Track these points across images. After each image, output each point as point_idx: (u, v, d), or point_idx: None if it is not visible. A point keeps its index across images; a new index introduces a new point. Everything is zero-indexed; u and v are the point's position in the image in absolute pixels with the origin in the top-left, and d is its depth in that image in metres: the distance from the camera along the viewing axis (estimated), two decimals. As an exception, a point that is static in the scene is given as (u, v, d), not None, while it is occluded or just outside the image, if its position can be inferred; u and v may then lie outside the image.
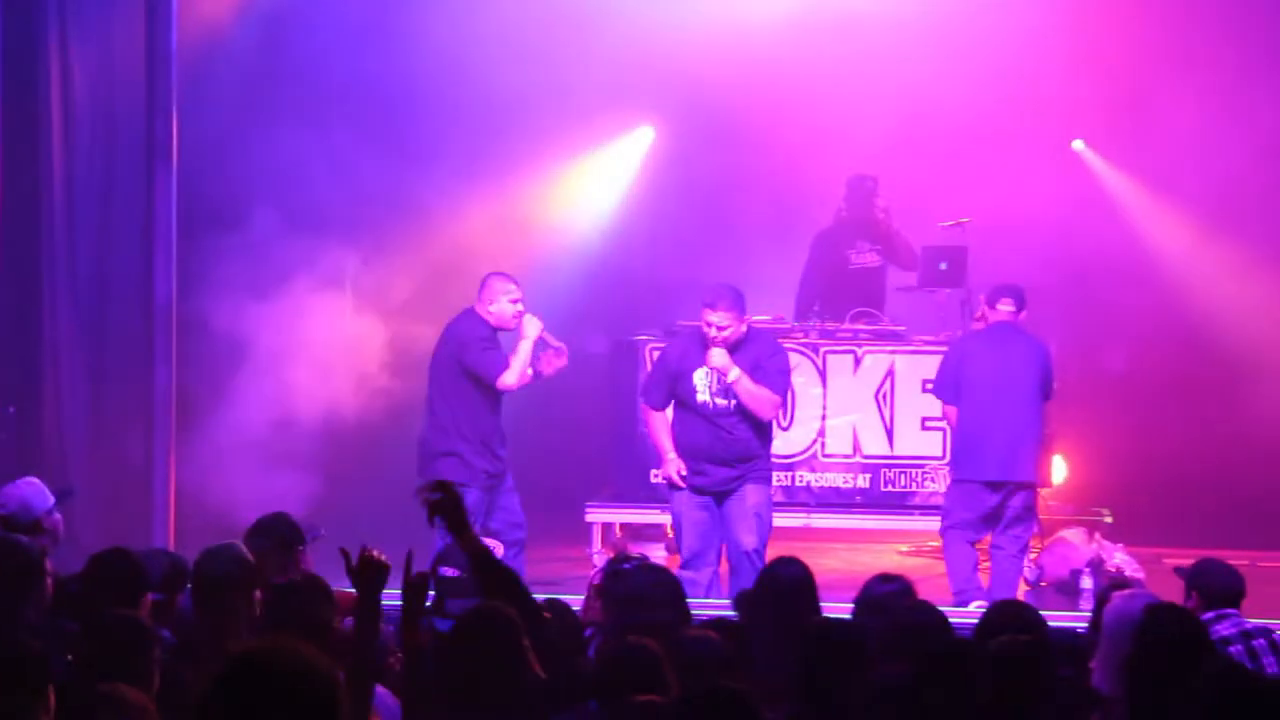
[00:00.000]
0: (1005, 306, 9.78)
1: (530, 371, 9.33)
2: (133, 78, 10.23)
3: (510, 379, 9.23)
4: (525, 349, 9.27)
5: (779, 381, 9.16)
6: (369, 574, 4.93)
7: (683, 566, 9.20)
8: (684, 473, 9.15)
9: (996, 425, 9.56)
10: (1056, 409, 11.82)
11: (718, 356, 9.02)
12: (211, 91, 11.08)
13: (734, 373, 9.01)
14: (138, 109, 10.14)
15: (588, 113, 12.70)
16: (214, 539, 6.41)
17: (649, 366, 11.15)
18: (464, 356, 9.30)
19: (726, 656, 5.20)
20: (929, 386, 10.85)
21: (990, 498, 9.58)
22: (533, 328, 9.29)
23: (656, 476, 11.09)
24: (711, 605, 7.93)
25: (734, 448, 9.13)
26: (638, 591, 5.96)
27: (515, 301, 9.35)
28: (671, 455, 9.19)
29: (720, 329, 9.04)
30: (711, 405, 9.14)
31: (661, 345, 11.13)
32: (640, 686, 4.80)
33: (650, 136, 13.50)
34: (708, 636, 5.26)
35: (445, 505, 5.27)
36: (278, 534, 6.79)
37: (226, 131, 11.21)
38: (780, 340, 10.07)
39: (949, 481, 10.12)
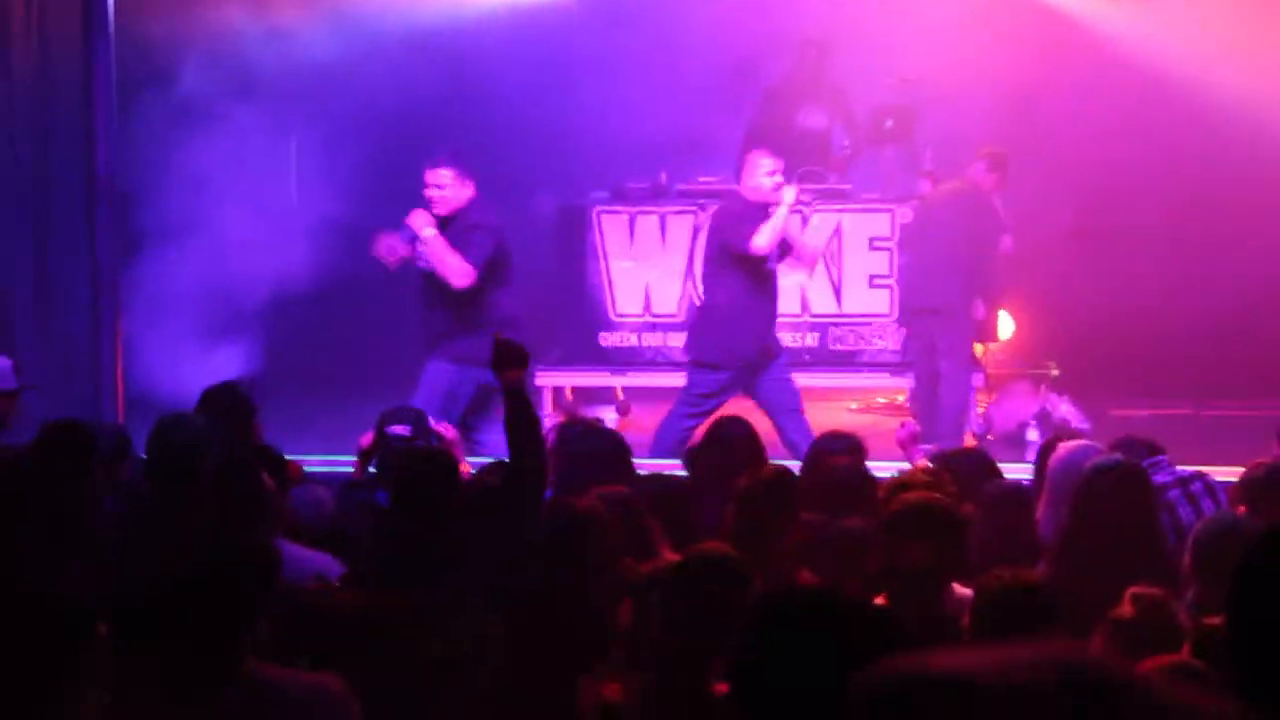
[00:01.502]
0: None
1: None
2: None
3: (760, 242, 9.21)
4: (781, 215, 9.26)
5: (475, 254, 9.06)
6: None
7: None
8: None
9: None
10: (1004, 265, 11.94)
11: (417, 216, 9.08)
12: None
13: (429, 231, 9.03)
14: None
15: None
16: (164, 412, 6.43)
17: (597, 227, 11.16)
18: (719, 235, 9.46)
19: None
20: (877, 243, 10.94)
21: None
22: (789, 195, 9.30)
23: (606, 339, 11.20)
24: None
25: (432, 323, 9.24)
26: (582, 453, 6.06)
27: (772, 174, 9.34)
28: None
29: (439, 188, 9.11)
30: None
31: (612, 208, 11.15)
32: (582, 548, 4.88)
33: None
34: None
35: (511, 354, 5.65)
36: (229, 404, 6.82)
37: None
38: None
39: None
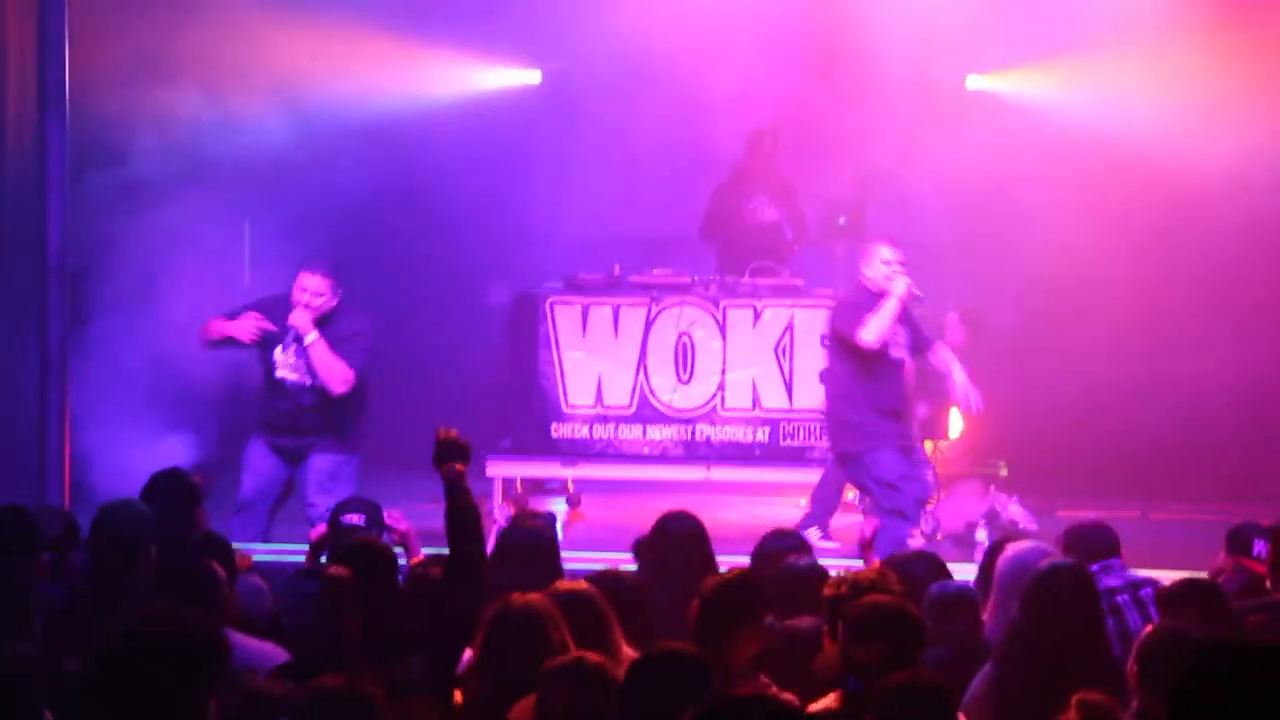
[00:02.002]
0: None
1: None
2: (24, 24, 10.05)
3: (867, 335, 9.24)
4: (889, 307, 9.26)
5: (357, 360, 9.36)
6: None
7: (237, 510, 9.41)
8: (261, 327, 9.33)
9: None
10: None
11: (298, 316, 9.27)
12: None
13: (312, 335, 9.25)
14: (30, 55, 9.95)
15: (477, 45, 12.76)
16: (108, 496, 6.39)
17: (550, 318, 11.17)
18: (832, 322, 9.62)
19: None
20: (827, 340, 10.98)
21: None
22: (899, 286, 9.29)
23: (557, 430, 11.18)
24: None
25: (304, 420, 9.43)
26: (508, 548, 6.09)
27: (888, 264, 9.37)
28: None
29: (315, 294, 9.34)
30: (289, 381, 9.40)
31: (565, 298, 11.17)
32: (520, 645, 4.85)
33: (536, 79, 13.51)
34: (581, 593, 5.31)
35: (452, 448, 5.72)
36: (176, 491, 6.77)
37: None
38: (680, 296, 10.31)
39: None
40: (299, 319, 9.33)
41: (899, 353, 9.58)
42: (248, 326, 9.36)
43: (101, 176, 10.78)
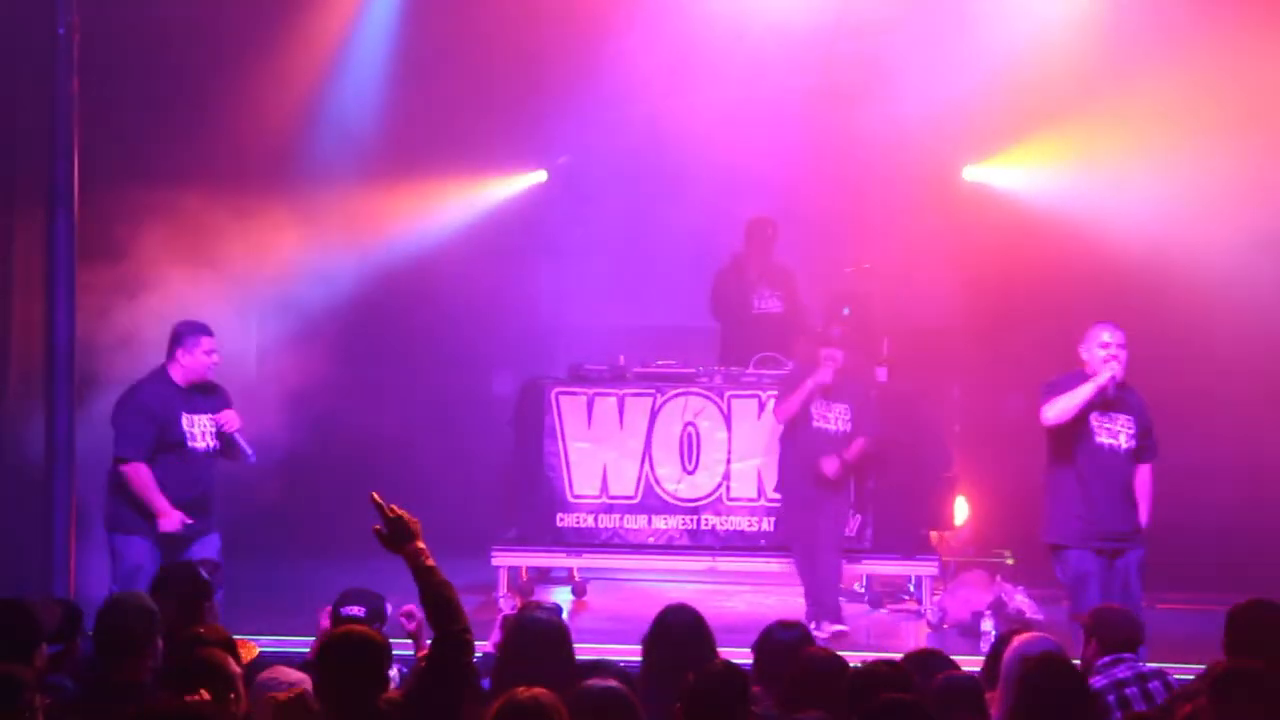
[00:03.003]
0: None
1: None
2: (35, 123, 10.16)
3: (1049, 412, 9.03)
4: (1082, 391, 8.99)
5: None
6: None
7: None
8: (188, 521, 9.11)
9: None
10: (959, 450, 12.01)
11: (230, 418, 9.21)
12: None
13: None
14: (39, 153, 10.05)
15: (485, 158, 12.87)
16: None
17: (556, 408, 11.18)
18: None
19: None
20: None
21: None
22: (1103, 374, 8.98)
23: (563, 520, 11.18)
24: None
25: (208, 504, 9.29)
26: (519, 641, 6.00)
27: (1105, 347, 9.06)
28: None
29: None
30: (204, 448, 9.23)
31: (570, 389, 11.20)
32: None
33: (543, 178, 13.65)
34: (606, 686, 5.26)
35: (403, 529, 5.34)
36: (183, 586, 6.78)
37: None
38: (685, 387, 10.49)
39: None
40: (230, 419, 9.25)
41: (1106, 439, 9.13)
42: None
43: (99, 266, 10.87)
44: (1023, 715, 5.46)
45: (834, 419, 10.47)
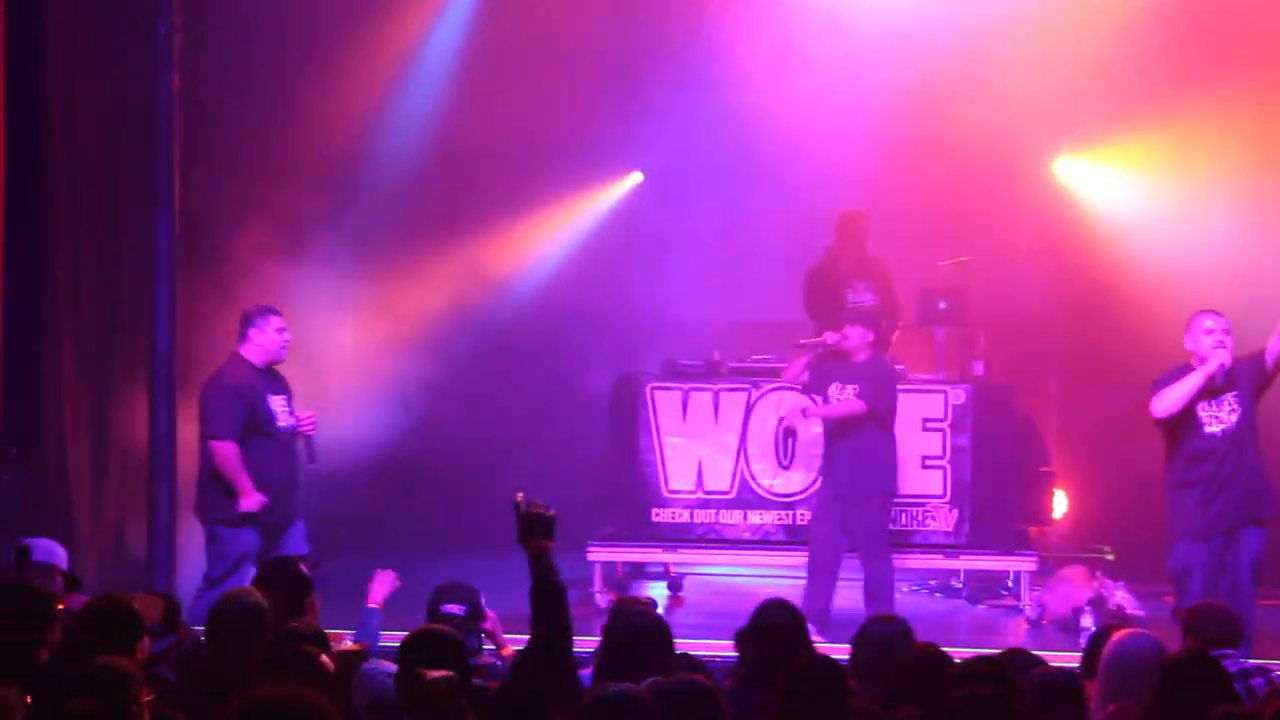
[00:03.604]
0: None
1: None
2: (137, 120, 10.30)
3: (1158, 405, 8.90)
4: (1191, 380, 8.85)
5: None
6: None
7: None
8: (266, 503, 9.12)
9: None
10: (1058, 445, 11.91)
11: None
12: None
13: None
14: (142, 151, 10.18)
15: (586, 160, 12.94)
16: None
17: (651, 403, 11.20)
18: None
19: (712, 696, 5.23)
20: (929, 424, 10.95)
21: None
22: (1212, 362, 8.83)
23: (658, 515, 11.20)
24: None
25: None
26: (622, 637, 6.01)
27: (1210, 333, 8.91)
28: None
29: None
30: (288, 426, 9.27)
31: (665, 384, 11.21)
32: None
33: (639, 180, 13.70)
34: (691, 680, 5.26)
35: (538, 524, 5.55)
36: (287, 581, 6.84)
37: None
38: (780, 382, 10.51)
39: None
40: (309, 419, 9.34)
41: (1215, 427, 8.97)
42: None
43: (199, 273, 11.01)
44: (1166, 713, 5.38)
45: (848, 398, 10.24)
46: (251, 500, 9.05)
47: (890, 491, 10.16)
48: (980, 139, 12.25)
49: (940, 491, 11.01)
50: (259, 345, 9.22)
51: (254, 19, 11.25)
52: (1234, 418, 8.92)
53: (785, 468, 11.05)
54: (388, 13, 12.12)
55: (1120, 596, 10.43)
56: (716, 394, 11.23)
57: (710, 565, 11.64)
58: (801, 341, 10.44)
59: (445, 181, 12.51)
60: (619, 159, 13.41)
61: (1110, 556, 11.28)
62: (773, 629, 6.28)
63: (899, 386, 10.40)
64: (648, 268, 13.34)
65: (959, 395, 11.06)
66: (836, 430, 10.12)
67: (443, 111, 12.41)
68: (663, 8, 12.96)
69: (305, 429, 9.28)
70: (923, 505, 11.05)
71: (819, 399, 10.31)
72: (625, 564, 11.57)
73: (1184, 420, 8.93)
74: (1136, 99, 12.10)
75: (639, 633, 6.05)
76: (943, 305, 11.61)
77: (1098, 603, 10.40)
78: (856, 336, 10.14)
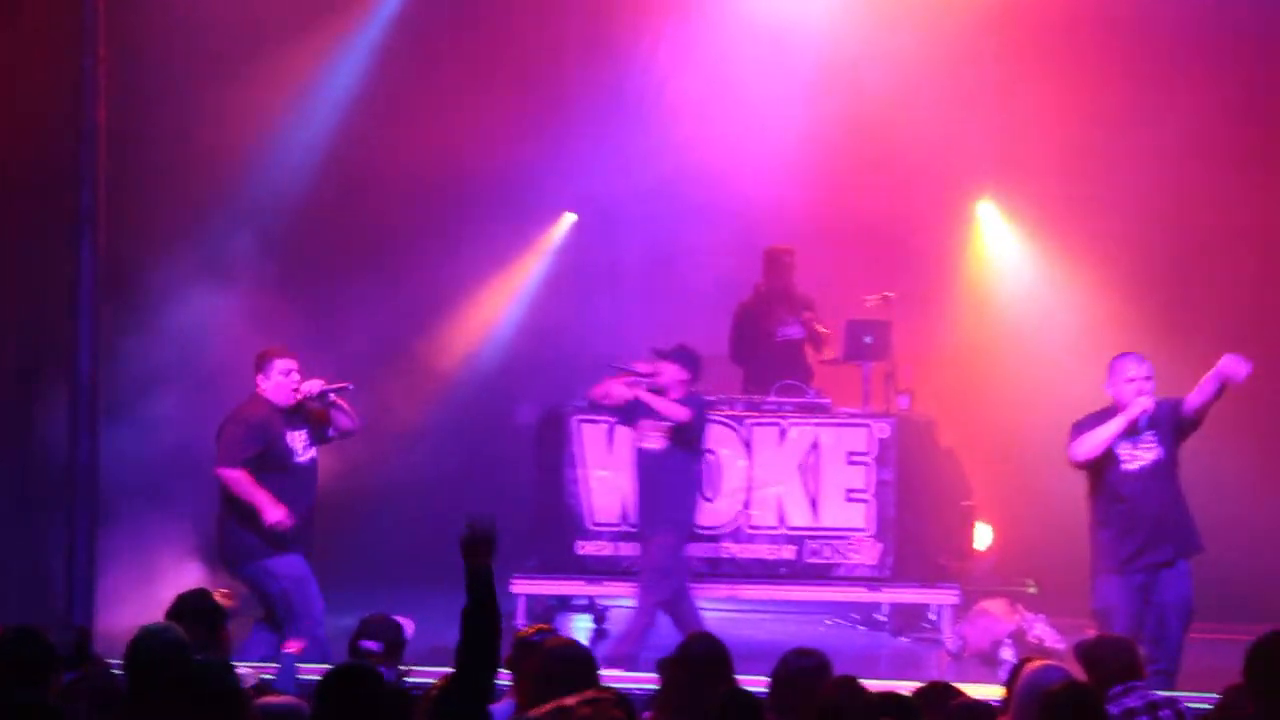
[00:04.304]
0: None
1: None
2: (62, 150, 10.29)
3: (1075, 449, 8.94)
4: (1110, 426, 8.89)
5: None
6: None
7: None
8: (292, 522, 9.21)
9: None
10: (981, 478, 12.02)
11: (309, 383, 9.31)
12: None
13: (314, 383, 9.33)
14: (67, 180, 10.17)
15: (518, 198, 13.08)
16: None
17: (577, 436, 11.24)
18: None
19: None
20: (854, 458, 11.05)
21: None
22: (1134, 408, 8.88)
23: (583, 548, 11.23)
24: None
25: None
26: (545, 669, 6.02)
27: (1130, 380, 8.92)
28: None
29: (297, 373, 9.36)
30: (307, 461, 9.38)
31: (591, 417, 11.24)
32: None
33: (572, 220, 13.81)
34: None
35: (487, 539, 5.48)
36: (201, 613, 6.81)
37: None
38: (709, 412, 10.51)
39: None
40: (310, 385, 9.35)
41: (1134, 464, 9.01)
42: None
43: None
44: None
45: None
46: (278, 512, 9.10)
47: (679, 527, 10.25)
48: (907, 177, 12.43)
49: (864, 525, 11.10)
50: (272, 387, 9.32)
51: (179, 49, 11.26)
52: (1152, 455, 9.00)
53: (710, 500, 11.10)
54: (314, 51, 12.20)
55: (1041, 629, 10.52)
56: (642, 427, 11.28)
57: (634, 597, 11.67)
58: (614, 365, 10.50)
59: (373, 218, 12.55)
60: (551, 196, 13.50)
61: (1033, 590, 11.38)
62: (695, 660, 6.34)
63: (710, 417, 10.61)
64: (577, 303, 13.42)
65: (884, 429, 11.16)
66: (643, 464, 10.25)
67: (372, 147, 12.45)
68: (594, 44, 13.07)
69: (310, 391, 9.35)
70: (846, 538, 11.14)
71: (631, 429, 10.40)
72: (550, 596, 11.58)
73: (1103, 458, 9.01)
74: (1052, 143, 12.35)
75: (563, 664, 6.07)
76: (868, 340, 11.71)
77: (1018, 635, 10.49)
78: (669, 374, 10.20)
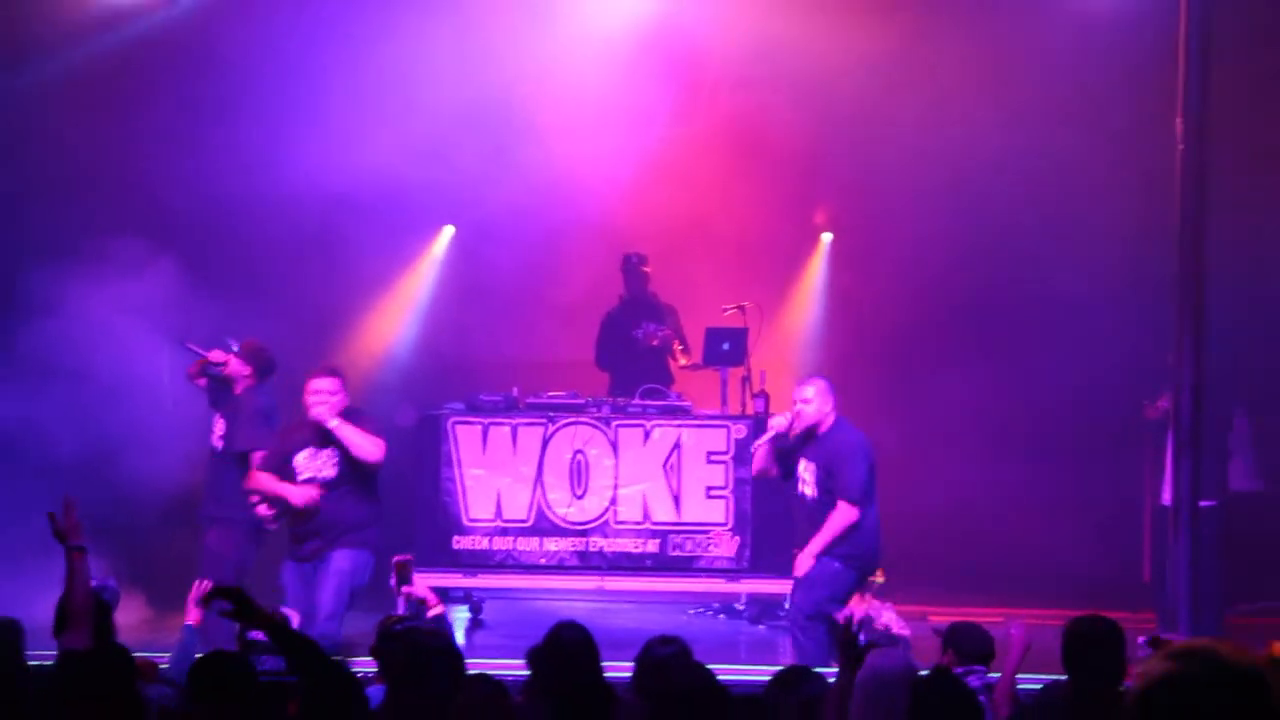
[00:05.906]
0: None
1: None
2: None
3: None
4: (763, 439, 9.90)
5: (373, 426, 9.72)
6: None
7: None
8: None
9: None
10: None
11: (319, 411, 9.57)
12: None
13: (335, 421, 9.58)
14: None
15: (404, 215, 13.45)
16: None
17: (453, 436, 11.69)
18: None
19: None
20: (713, 457, 11.62)
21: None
22: (777, 420, 9.89)
23: (459, 543, 11.68)
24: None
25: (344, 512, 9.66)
26: (410, 657, 6.20)
27: (793, 401, 9.85)
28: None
29: (329, 394, 9.65)
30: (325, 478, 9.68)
31: (466, 419, 11.70)
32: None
33: (451, 232, 14.22)
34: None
35: (234, 601, 5.48)
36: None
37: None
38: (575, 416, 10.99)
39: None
40: (320, 414, 9.57)
41: (806, 490, 9.77)
42: (307, 495, 9.62)
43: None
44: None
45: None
46: (304, 493, 9.53)
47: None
48: (760, 190, 13.02)
49: (723, 520, 11.59)
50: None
51: (95, 61, 11.51)
52: (814, 492, 9.81)
53: (579, 497, 11.58)
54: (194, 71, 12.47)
55: (888, 617, 11.07)
56: (515, 428, 11.69)
57: (509, 589, 12.06)
58: (187, 345, 10.80)
59: (263, 230, 12.74)
60: (430, 211, 13.86)
61: (880, 580, 11.97)
62: (562, 648, 6.73)
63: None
64: (453, 312, 13.85)
65: (740, 430, 11.65)
66: None
67: (249, 167, 12.62)
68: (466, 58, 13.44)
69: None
70: (707, 533, 11.64)
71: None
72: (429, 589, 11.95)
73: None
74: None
75: (430, 655, 6.26)
76: (726, 347, 12.19)
77: (867, 623, 11.06)
78: (235, 367, 10.56)
